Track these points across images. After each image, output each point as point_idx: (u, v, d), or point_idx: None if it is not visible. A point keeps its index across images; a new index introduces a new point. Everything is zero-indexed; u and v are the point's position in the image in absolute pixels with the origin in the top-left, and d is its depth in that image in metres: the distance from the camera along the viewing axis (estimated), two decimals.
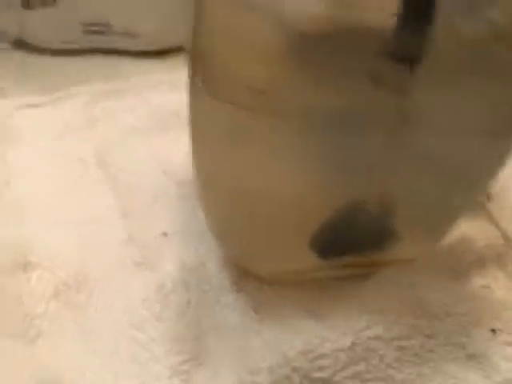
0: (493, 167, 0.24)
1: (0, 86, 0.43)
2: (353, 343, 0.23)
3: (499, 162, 0.24)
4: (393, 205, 0.24)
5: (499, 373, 0.24)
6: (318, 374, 0.22)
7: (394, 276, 0.27)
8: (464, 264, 0.29)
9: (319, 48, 0.19)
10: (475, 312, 0.26)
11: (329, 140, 0.21)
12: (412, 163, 0.22)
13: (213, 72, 0.20)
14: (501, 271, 0.29)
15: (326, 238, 0.25)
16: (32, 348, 0.24)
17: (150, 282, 0.26)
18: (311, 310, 0.25)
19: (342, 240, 0.25)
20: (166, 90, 0.37)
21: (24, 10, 0.49)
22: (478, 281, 0.28)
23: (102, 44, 0.49)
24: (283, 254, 0.25)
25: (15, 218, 0.29)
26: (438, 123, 0.21)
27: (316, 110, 0.20)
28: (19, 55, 0.50)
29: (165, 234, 0.28)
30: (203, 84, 0.20)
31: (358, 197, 0.23)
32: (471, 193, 0.25)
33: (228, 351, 0.23)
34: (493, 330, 0.25)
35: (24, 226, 0.29)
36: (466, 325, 0.25)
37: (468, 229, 0.30)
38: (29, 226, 0.29)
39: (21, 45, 0.50)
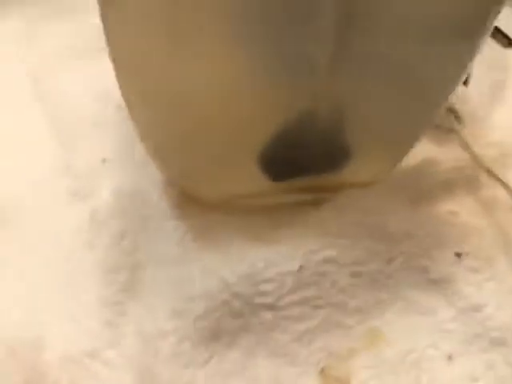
0: (454, 74, 0.21)
1: None
2: (301, 266, 0.21)
3: (461, 69, 0.21)
4: (343, 116, 0.21)
5: (462, 298, 0.22)
6: (261, 300, 0.20)
7: (350, 200, 0.24)
8: (429, 187, 0.26)
9: None
10: (439, 235, 0.23)
11: (267, 32, 0.18)
12: (363, 67, 0.19)
13: None
14: (470, 196, 0.27)
15: (274, 156, 0.22)
16: None
17: (85, 210, 0.24)
18: (258, 236, 0.22)
19: (292, 158, 0.22)
20: None
21: None
22: (443, 205, 0.26)
23: None
24: (228, 175, 0.23)
25: None
26: (391, 19, 0.18)
27: None
28: None
29: (104, 161, 0.26)
30: None
31: (305, 105, 0.20)
32: (431, 104, 0.22)
33: (164, 281, 0.21)
34: (458, 254, 0.23)
35: None
36: (428, 248, 0.23)
37: (434, 151, 0.27)
38: None
39: None
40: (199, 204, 0.23)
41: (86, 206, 0.24)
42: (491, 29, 0.20)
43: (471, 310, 0.22)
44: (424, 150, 0.27)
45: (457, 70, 0.21)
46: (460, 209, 0.26)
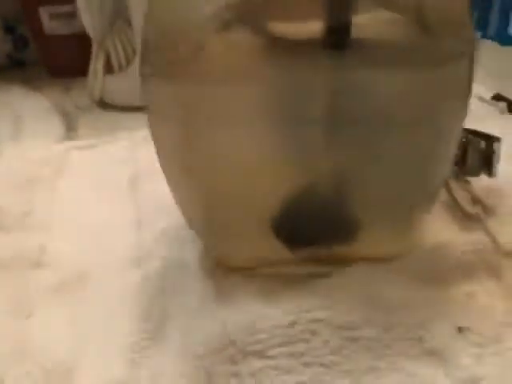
0: (443, 152, 0.24)
1: (78, 133, 0.52)
2: (293, 322, 0.23)
3: (447, 147, 0.23)
4: (346, 191, 0.24)
5: (461, 370, 0.22)
6: (252, 347, 0.22)
7: (357, 272, 0.26)
8: (445, 267, 0.27)
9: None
10: (438, 305, 0.24)
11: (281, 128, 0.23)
12: (354, 147, 0.23)
13: (161, 51, 0.23)
14: (489, 280, 0.27)
15: (289, 227, 0.26)
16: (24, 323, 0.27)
17: (138, 276, 0.29)
18: (268, 297, 0.25)
19: (305, 230, 0.26)
20: None
21: (106, 75, 0.58)
22: (460, 287, 0.26)
23: None
24: (250, 244, 0.27)
25: (41, 228, 0.34)
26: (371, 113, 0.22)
27: None
28: (99, 112, 0.59)
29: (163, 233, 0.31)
30: (152, 67, 0.23)
31: (310, 181, 0.24)
32: (425, 180, 0.24)
33: (184, 332, 0.25)
34: (458, 328, 0.23)
35: (49, 234, 0.34)
36: (428, 319, 0.24)
37: (455, 233, 0.28)
38: (52, 235, 0.34)
39: (102, 104, 0.60)
40: (226, 270, 0.27)
41: (141, 271, 0.29)
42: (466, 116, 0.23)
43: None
44: (445, 232, 0.28)
45: (444, 148, 0.24)
46: (478, 291, 0.26)
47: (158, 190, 0.36)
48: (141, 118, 0.55)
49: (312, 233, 0.26)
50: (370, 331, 0.23)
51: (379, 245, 0.27)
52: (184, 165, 0.25)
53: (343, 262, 0.27)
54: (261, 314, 0.23)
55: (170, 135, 0.25)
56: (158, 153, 0.26)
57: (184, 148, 0.25)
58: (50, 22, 0.67)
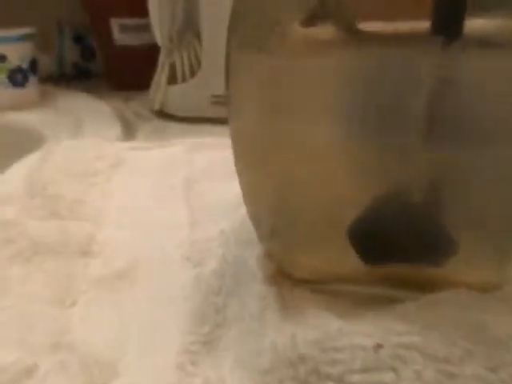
0: None
1: (136, 139, 0.51)
2: (378, 344, 0.19)
3: None
4: (442, 202, 0.21)
5: None
6: (327, 369, 0.18)
7: (453, 298, 0.22)
8: None
9: None
10: None
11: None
12: (462, 150, 0.20)
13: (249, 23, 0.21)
14: None
15: (368, 236, 0.22)
16: (66, 312, 0.24)
17: (193, 273, 0.26)
18: (340, 314, 0.21)
19: (386, 241, 0.22)
20: None
21: (168, 85, 0.57)
22: None
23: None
24: (321, 253, 0.23)
25: (94, 218, 0.32)
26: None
27: None
28: (158, 122, 0.58)
29: (221, 232, 0.28)
30: (241, 39, 0.21)
31: (404, 182, 0.21)
32: None
33: (241, 339, 0.21)
34: None
35: (100, 225, 0.31)
36: None
37: None
38: (104, 226, 0.31)
39: (161, 114, 0.59)
40: (291, 279, 0.24)
41: (196, 269, 0.26)
42: None
43: None
44: None
45: None
46: None
47: (216, 192, 0.35)
48: (199, 129, 0.54)
49: (396, 246, 0.22)
50: (472, 368, 0.19)
51: (477, 271, 0.22)
52: (260, 153, 0.22)
53: (429, 287, 0.23)
54: (337, 331, 0.19)
55: (251, 118, 0.22)
56: (234, 143, 0.23)
57: (263, 134, 0.22)
58: (119, 34, 0.68)
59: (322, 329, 0.19)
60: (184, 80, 0.56)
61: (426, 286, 0.23)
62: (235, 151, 0.23)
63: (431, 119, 0.20)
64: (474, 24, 0.19)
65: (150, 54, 0.58)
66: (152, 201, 0.34)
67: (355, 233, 0.22)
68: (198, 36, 0.56)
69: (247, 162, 0.23)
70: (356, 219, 0.22)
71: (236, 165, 0.23)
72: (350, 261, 0.23)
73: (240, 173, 0.23)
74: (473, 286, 0.22)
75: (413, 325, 0.20)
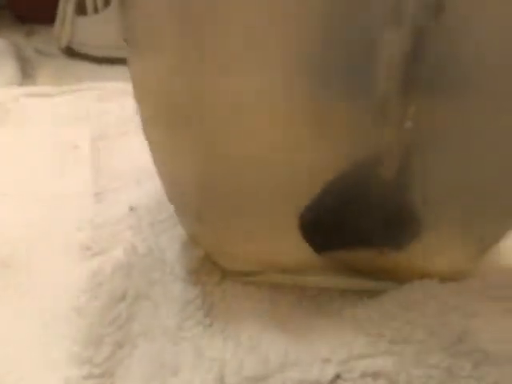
0: None
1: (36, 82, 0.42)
2: (337, 376, 0.14)
3: None
4: (412, 176, 0.15)
5: None
6: None
7: (419, 293, 0.17)
8: None
9: None
10: None
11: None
12: (438, 115, 0.14)
13: None
14: None
15: (321, 219, 0.17)
16: None
17: (90, 269, 0.19)
18: (283, 322, 0.16)
19: (343, 223, 0.17)
20: None
21: (76, 17, 0.48)
22: None
23: None
24: (263, 238, 0.17)
25: None
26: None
27: None
28: (64, 61, 0.48)
29: (131, 209, 0.22)
30: None
31: (364, 154, 0.15)
32: None
33: (148, 365, 0.15)
34: None
35: None
36: None
37: None
38: None
39: (69, 52, 0.49)
40: (220, 271, 0.18)
41: (96, 262, 0.20)
42: None
43: None
44: None
45: None
46: None
47: (127, 152, 0.28)
48: (114, 71, 0.46)
49: (351, 228, 0.17)
50: None
51: (445, 256, 0.18)
52: (176, 112, 0.16)
53: (392, 275, 0.18)
54: (279, 352, 0.14)
55: (159, 67, 0.15)
56: (139, 97, 0.16)
57: (178, 86, 0.15)
58: None
59: (261, 353, 0.14)
60: (96, 11, 0.46)
61: (386, 274, 0.18)
62: (140, 107, 0.16)
63: (410, 65, 0.14)
64: None
65: None
66: (48, 165, 0.27)
67: (306, 216, 0.17)
68: None
69: (157, 122, 0.16)
70: (305, 196, 0.16)
71: (141, 121, 0.17)
72: (297, 247, 0.17)
73: (148, 131, 0.16)
74: (438, 274, 0.18)
75: (378, 339, 0.15)
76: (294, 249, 0.17)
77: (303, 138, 0.15)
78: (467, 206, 0.16)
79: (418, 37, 0.13)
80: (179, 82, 0.15)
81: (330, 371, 0.14)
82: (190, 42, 0.14)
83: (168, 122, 0.16)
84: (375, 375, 0.14)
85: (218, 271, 0.18)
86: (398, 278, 0.18)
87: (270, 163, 0.15)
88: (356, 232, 0.17)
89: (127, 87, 0.36)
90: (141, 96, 0.16)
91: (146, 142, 0.20)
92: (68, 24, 0.48)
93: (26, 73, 0.44)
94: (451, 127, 0.15)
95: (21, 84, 0.42)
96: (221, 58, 0.14)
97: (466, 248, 0.18)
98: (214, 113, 0.14)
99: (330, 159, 0.15)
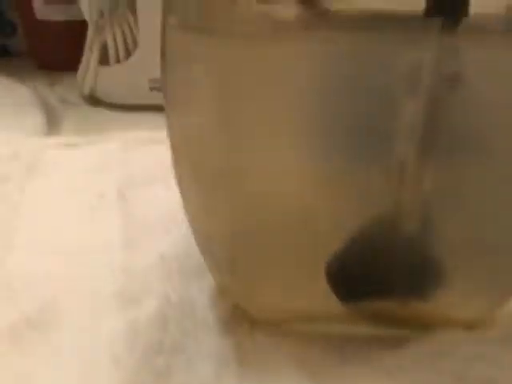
0: None
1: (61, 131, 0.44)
2: None
3: None
4: (433, 230, 0.16)
5: None
6: None
7: (445, 343, 0.18)
8: None
9: None
10: None
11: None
12: (458, 173, 0.15)
13: None
14: None
15: (346, 270, 0.17)
16: None
17: (125, 320, 0.20)
18: (313, 371, 0.16)
19: (367, 275, 0.17)
20: None
21: (99, 66, 0.50)
22: None
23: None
24: (289, 288, 0.18)
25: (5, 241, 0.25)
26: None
27: None
28: (88, 109, 0.50)
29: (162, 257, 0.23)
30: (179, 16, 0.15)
31: (385, 210, 0.16)
32: None
33: None
34: None
35: (13, 250, 0.25)
36: None
37: None
38: (17, 251, 0.25)
39: (92, 100, 0.51)
40: (249, 320, 0.19)
41: (130, 313, 0.20)
42: None
43: None
44: None
45: None
46: None
47: (155, 201, 0.29)
48: (136, 119, 0.47)
49: (375, 280, 0.18)
50: None
51: (470, 304, 0.18)
52: (209, 165, 0.17)
53: (416, 324, 0.19)
54: None
55: (197, 115, 0.16)
56: (173, 147, 0.17)
57: (215, 139, 0.16)
58: (42, 6, 0.59)
59: None
60: (118, 61, 0.49)
61: (412, 323, 0.19)
62: (174, 155, 0.17)
63: (428, 130, 0.15)
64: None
65: (79, 30, 0.50)
66: (76, 215, 0.28)
67: (331, 267, 0.17)
68: (133, 10, 0.48)
69: (191, 173, 0.17)
70: (332, 249, 0.17)
71: (176, 173, 0.18)
72: (324, 297, 0.18)
73: (180, 181, 0.18)
74: (464, 323, 0.19)
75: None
76: (321, 298, 0.18)
77: (328, 198, 0.16)
78: (490, 258, 0.17)
79: (434, 106, 0.14)
80: (217, 144, 0.16)
81: None
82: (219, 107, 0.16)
83: (205, 181, 0.17)
84: None
85: (247, 320, 0.19)
86: (422, 326, 0.19)
87: (299, 221, 0.16)
88: (380, 283, 0.17)
89: (150, 135, 0.38)
90: (175, 143, 0.17)
91: (172, 191, 0.21)
92: (91, 73, 0.50)
93: (51, 121, 0.46)
94: (469, 185, 0.15)
95: (46, 133, 0.43)
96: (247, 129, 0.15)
97: (491, 297, 0.18)
98: (249, 176, 0.16)
99: (353, 215, 0.16)
